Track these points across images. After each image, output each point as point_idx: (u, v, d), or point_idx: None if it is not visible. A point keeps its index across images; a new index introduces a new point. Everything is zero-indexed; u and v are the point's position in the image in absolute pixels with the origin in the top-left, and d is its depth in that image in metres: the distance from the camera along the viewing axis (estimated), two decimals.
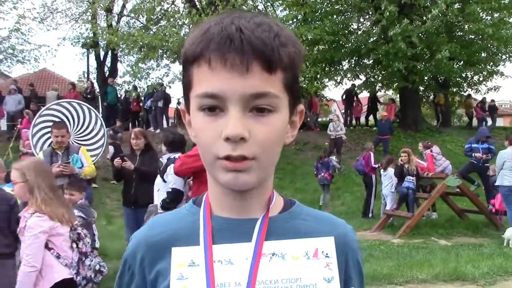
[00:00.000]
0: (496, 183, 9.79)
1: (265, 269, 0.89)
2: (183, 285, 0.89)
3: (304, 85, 20.11)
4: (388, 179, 11.35)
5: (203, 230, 0.95)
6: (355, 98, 22.29)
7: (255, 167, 0.89)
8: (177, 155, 5.63)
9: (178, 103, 22.55)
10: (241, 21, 0.89)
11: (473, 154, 11.63)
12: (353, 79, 22.51)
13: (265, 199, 0.99)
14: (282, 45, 0.89)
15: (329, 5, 20.82)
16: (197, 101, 0.90)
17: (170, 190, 5.32)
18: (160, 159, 6.13)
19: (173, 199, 5.23)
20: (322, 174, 12.72)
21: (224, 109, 0.88)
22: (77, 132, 8.32)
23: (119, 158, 6.63)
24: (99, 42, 22.15)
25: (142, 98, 20.72)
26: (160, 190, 5.52)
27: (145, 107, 20.01)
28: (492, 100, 24.44)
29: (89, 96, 18.72)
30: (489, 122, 22.60)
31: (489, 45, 20.53)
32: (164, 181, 5.46)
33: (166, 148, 5.87)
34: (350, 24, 20.62)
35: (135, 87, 20.94)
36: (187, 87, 0.94)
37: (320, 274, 0.89)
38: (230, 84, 0.86)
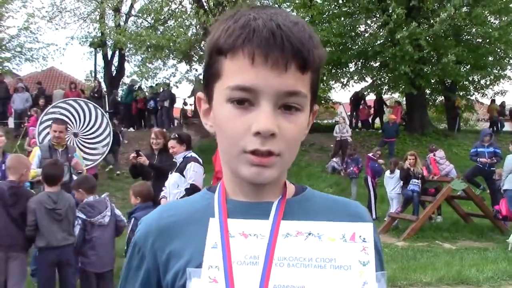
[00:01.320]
0: (504, 187, 9.75)
1: (298, 246, 0.90)
2: (216, 253, 0.90)
3: None
4: (395, 181, 11.34)
5: (218, 208, 0.97)
6: (362, 101, 22.30)
7: (278, 163, 0.91)
8: (192, 153, 6.06)
9: (184, 103, 22.63)
10: (279, 18, 0.90)
11: (478, 159, 11.60)
12: (360, 81, 22.49)
13: (280, 185, 1.01)
14: (315, 46, 0.92)
15: (337, 7, 20.83)
16: (227, 92, 0.90)
17: (189, 186, 5.62)
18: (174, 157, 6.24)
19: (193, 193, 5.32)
20: (351, 168, 13.61)
21: (254, 104, 0.89)
22: (83, 130, 8.38)
23: (134, 153, 6.72)
24: (107, 42, 22.26)
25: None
26: (179, 186, 5.81)
27: (147, 107, 20.17)
28: (503, 103, 24.45)
29: (96, 95, 18.84)
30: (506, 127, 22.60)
31: (496, 49, 20.45)
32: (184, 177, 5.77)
33: (180, 146, 6.10)
34: (357, 26, 20.60)
35: (140, 88, 21.05)
36: (213, 77, 0.94)
37: (355, 256, 0.89)
38: (267, 80, 0.87)
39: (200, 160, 6.13)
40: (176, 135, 6.38)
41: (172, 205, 1.07)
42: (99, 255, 5.06)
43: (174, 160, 6.23)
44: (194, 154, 6.15)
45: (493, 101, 23.41)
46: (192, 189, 5.52)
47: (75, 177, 6.12)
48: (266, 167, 0.90)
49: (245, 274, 0.88)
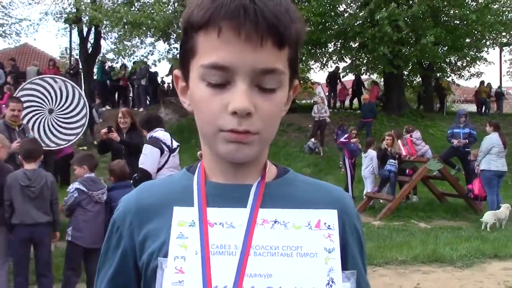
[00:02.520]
0: (482, 167, 9.90)
1: (266, 235, 0.89)
2: (183, 243, 0.89)
3: None
4: (368, 160, 11.46)
5: (197, 193, 0.95)
6: (338, 81, 22.36)
7: (256, 141, 0.89)
8: (156, 132, 5.79)
9: (162, 82, 22.38)
10: None
11: (452, 140, 11.79)
12: (339, 61, 22.51)
13: (261, 166, 0.99)
14: (292, 21, 0.88)
15: None
16: (201, 71, 0.87)
17: (140, 169, 5.57)
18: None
19: (141, 178, 5.27)
20: (342, 138, 13.59)
21: (230, 82, 0.86)
22: (59, 108, 8.22)
23: (106, 129, 6.73)
24: (82, 18, 21.75)
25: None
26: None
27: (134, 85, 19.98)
28: (499, 87, 24.81)
29: (71, 72, 18.51)
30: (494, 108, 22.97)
31: (473, 31, 20.64)
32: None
33: (143, 129, 6.07)
34: (337, 6, 20.52)
35: (124, 65, 20.75)
36: (188, 54, 0.91)
37: (321, 244, 0.89)
38: (241, 57, 0.84)
39: (164, 141, 5.75)
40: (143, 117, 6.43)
41: (152, 185, 1.05)
42: (91, 230, 5.02)
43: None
44: (158, 134, 5.81)
45: (482, 82, 23.73)
46: (142, 175, 5.40)
47: None
48: (244, 143, 0.88)
49: (220, 264, 0.87)
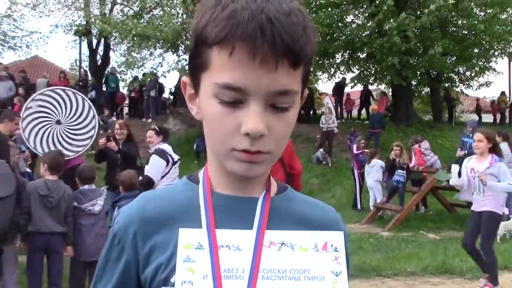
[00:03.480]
0: None
1: (274, 258, 0.88)
2: (190, 267, 0.87)
3: None
4: (375, 170, 11.43)
5: (204, 209, 0.94)
6: (344, 92, 22.42)
7: (267, 160, 0.90)
8: (164, 145, 6.38)
9: (170, 93, 22.49)
10: (270, 8, 0.83)
11: (457, 151, 11.82)
12: (346, 72, 22.53)
13: (265, 179, 1.00)
14: (309, 40, 0.87)
15: None
16: (214, 88, 0.86)
17: (145, 176, 6.01)
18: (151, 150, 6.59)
19: (145, 184, 5.78)
20: (354, 151, 13.98)
21: (244, 102, 0.85)
22: (69, 120, 8.29)
23: (104, 138, 7.09)
24: (92, 30, 21.96)
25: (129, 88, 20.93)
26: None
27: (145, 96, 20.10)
28: None
29: (81, 84, 18.68)
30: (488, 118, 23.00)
31: (481, 41, 20.59)
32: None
33: (157, 137, 6.51)
34: (345, 16, 20.57)
35: (136, 77, 20.93)
36: (199, 67, 0.89)
37: (328, 267, 0.89)
38: (256, 80, 0.83)
39: (169, 154, 6.27)
40: (155, 127, 6.89)
41: (154, 195, 1.03)
42: (86, 243, 5.04)
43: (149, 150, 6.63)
44: (164, 147, 6.36)
45: (503, 93, 23.89)
46: (146, 181, 5.88)
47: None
48: (255, 163, 0.88)
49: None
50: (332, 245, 0.91)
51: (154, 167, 6.04)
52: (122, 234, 0.97)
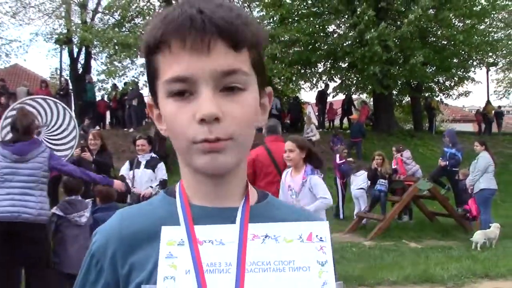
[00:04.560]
0: (482, 186, 9.82)
1: (257, 251, 0.87)
2: (172, 263, 0.86)
3: (280, 87, 20.15)
4: (360, 180, 11.48)
5: (182, 213, 0.93)
6: (327, 100, 22.56)
7: (231, 146, 0.87)
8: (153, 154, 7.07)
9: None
10: (201, 4, 0.87)
11: (439, 160, 11.94)
12: (329, 81, 22.69)
13: (242, 187, 0.97)
14: (245, 23, 0.88)
15: (306, 7, 20.95)
16: (165, 87, 0.88)
17: (162, 180, 6.65)
18: (140, 156, 6.95)
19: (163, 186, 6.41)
20: (338, 145, 14.87)
21: (194, 92, 0.86)
22: (49, 130, 8.18)
23: (79, 148, 7.14)
24: (73, 39, 21.80)
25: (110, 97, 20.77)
26: (153, 181, 6.74)
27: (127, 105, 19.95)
28: (499, 106, 25.44)
29: (61, 92, 18.48)
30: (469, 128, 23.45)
31: (460, 51, 20.95)
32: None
33: (148, 146, 6.98)
34: (327, 26, 20.77)
35: (114, 86, 20.74)
36: (152, 77, 0.92)
37: (314, 257, 0.87)
38: (196, 65, 0.85)
39: None
40: (147, 136, 7.26)
41: (132, 212, 1.00)
42: (69, 254, 4.95)
43: (139, 157, 6.94)
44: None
45: (488, 102, 24.40)
46: (164, 183, 6.55)
47: None
48: (219, 152, 0.86)
49: (216, 282, 0.85)
50: (317, 235, 0.89)
51: (164, 171, 6.78)
52: (101, 255, 0.95)
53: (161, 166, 6.84)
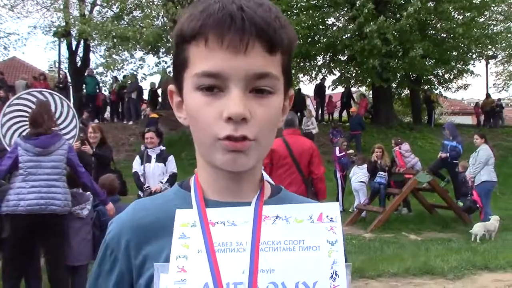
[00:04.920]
0: (483, 179, 9.87)
1: (268, 231, 0.89)
2: (185, 243, 0.88)
3: None
4: (361, 174, 11.48)
5: (196, 200, 0.94)
6: (326, 93, 22.53)
7: (254, 148, 0.88)
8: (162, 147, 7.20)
9: (150, 95, 22.37)
10: (242, 0, 0.87)
11: (439, 152, 11.95)
12: (328, 74, 22.66)
13: (256, 182, 0.98)
14: (282, 26, 0.89)
15: (305, 0, 20.87)
16: (194, 80, 0.88)
17: (172, 174, 6.85)
18: (150, 150, 7.10)
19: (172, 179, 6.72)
20: (338, 138, 15.45)
21: (223, 89, 0.86)
22: None
23: (79, 141, 7.11)
24: (71, 32, 21.71)
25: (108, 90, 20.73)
26: (165, 174, 6.92)
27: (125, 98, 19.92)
28: (499, 99, 25.45)
29: (60, 85, 18.44)
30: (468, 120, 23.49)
31: (460, 44, 20.91)
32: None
33: (157, 139, 7.09)
34: (326, 19, 20.70)
35: (115, 78, 20.68)
36: (181, 66, 0.91)
37: (323, 236, 0.88)
38: (231, 63, 0.85)
39: None
40: (156, 129, 7.43)
41: (146, 204, 1.01)
42: (71, 247, 4.95)
43: (148, 151, 7.08)
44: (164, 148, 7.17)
45: (488, 95, 24.75)
46: (174, 177, 6.79)
47: None
48: (241, 152, 0.87)
49: (228, 261, 0.86)
50: (327, 216, 0.90)
51: (174, 164, 6.97)
52: (115, 245, 0.96)
53: (171, 159, 6.97)
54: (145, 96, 21.52)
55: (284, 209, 0.91)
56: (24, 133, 7.86)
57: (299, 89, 22.49)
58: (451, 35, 20.25)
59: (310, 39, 20.11)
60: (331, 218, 0.90)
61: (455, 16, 20.53)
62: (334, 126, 17.56)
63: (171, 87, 0.98)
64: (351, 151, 12.83)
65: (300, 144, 5.85)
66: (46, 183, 4.71)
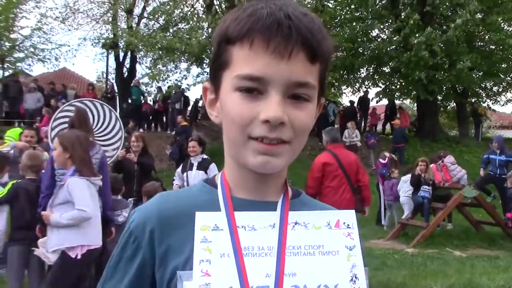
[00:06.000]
0: None
1: (288, 236, 0.92)
2: (207, 247, 0.89)
3: None
4: (406, 186, 11.27)
5: (224, 202, 0.96)
6: (370, 106, 22.24)
7: (286, 151, 0.91)
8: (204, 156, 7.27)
9: (195, 106, 22.69)
10: (289, 9, 0.90)
11: (481, 169, 11.63)
12: (372, 86, 22.40)
13: (282, 182, 1.01)
14: (324, 38, 0.92)
15: (349, 12, 20.78)
16: (234, 81, 0.90)
17: None
18: (192, 158, 7.24)
19: None
20: (372, 140, 16.48)
21: (263, 92, 0.89)
22: (97, 131, 8.40)
23: (124, 149, 7.39)
24: (119, 43, 22.37)
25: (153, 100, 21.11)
26: None
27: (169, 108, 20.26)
28: None
29: (108, 95, 18.98)
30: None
31: (509, 56, 20.31)
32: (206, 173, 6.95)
33: (199, 147, 7.21)
34: (370, 31, 20.53)
35: (159, 89, 21.13)
36: (221, 66, 0.94)
37: (342, 242, 0.92)
38: (274, 69, 0.87)
39: None
40: (198, 138, 7.52)
41: (171, 195, 1.04)
42: (107, 251, 5.06)
43: (191, 159, 7.20)
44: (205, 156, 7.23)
45: None
46: None
47: None
48: (273, 155, 0.89)
49: (254, 265, 0.89)
50: (344, 223, 0.94)
51: (216, 171, 6.75)
52: (139, 232, 0.98)
53: (213, 167, 7.04)
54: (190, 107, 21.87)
55: (303, 216, 0.94)
56: None
57: (352, 102, 22.09)
58: (500, 47, 19.70)
59: (353, 51, 19.98)
60: (348, 225, 0.94)
61: (505, 28, 19.96)
62: (368, 130, 17.99)
63: (206, 84, 1.01)
64: (393, 156, 12.62)
65: (347, 156, 6.61)
66: None
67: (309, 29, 0.89)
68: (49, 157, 5.19)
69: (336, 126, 18.05)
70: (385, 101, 22.70)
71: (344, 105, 25.42)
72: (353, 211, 0.96)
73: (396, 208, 11.34)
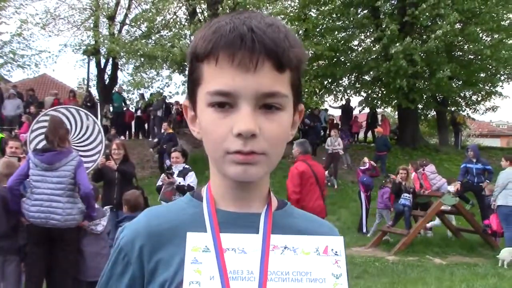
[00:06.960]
0: (499, 203, 9.71)
1: (277, 261, 0.92)
2: (198, 268, 0.90)
3: (304, 100, 20.15)
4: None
5: (209, 219, 0.97)
6: (352, 113, 22.40)
7: (263, 161, 0.92)
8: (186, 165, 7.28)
9: (177, 113, 22.60)
10: (253, 22, 0.92)
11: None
12: (354, 95, 22.58)
13: (265, 193, 1.02)
14: (292, 46, 0.93)
15: (331, 21, 20.94)
16: (207, 97, 0.93)
17: (186, 186, 6.86)
18: (173, 166, 7.31)
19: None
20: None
21: (234, 106, 0.90)
22: (75, 138, 8.32)
23: (104, 156, 7.42)
24: (100, 50, 22.19)
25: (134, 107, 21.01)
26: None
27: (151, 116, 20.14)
28: None
29: (89, 104, 18.80)
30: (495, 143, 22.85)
31: (488, 66, 20.65)
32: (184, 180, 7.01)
33: (182, 158, 7.26)
34: (352, 40, 20.73)
35: (142, 96, 21.01)
36: (195, 84, 0.96)
37: (329, 270, 0.93)
38: (241, 82, 0.89)
39: None
40: (182, 149, 7.60)
41: (159, 211, 1.05)
42: (87, 262, 5.01)
43: (173, 168, 7.26)
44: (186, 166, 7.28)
45: None
46: (188, 189, 6.57)
47: None
48: (251, 164, 0.91)
49: None
50: (332, 249, 0.95)
51: (195, 182, 7.00)
52: (128, 249, 0.99)
53: (191, 174, 7.12)
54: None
55: (292, 240, 0.95)
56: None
57: (326, 110, 22.34)
58: (479, 57, 20.03)
59: (335, 60, 20.13)
60: (336, 252, 0.95)
61: (483, 38, 20.31)
62: (341, 129, 18.14)
63: (185, 102, 1.03)
64: (374, 163, 12.69)
65: (318, 167, 7.35)
66: (48, 197, 4.84)
67: (272, 39, 0.90)
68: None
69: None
70: (367, 109, 22.90)
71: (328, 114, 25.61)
72: (342, 237, 0.98)
73: (388, 216, 11.37)
